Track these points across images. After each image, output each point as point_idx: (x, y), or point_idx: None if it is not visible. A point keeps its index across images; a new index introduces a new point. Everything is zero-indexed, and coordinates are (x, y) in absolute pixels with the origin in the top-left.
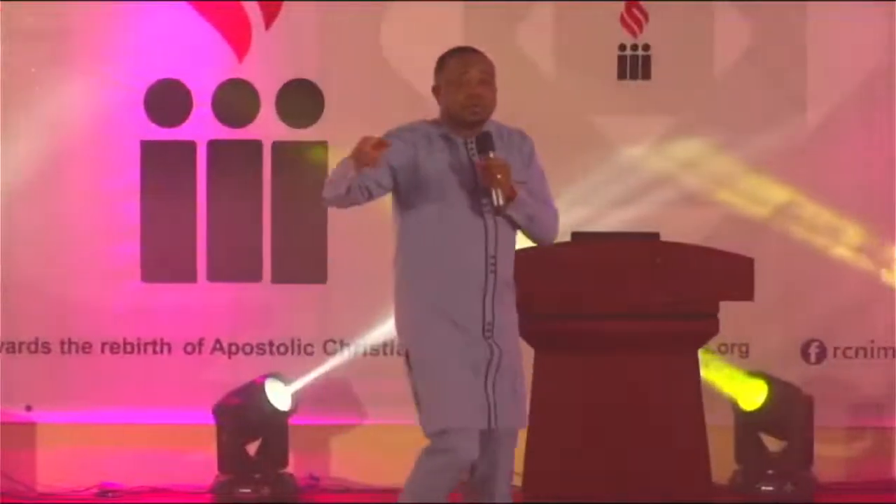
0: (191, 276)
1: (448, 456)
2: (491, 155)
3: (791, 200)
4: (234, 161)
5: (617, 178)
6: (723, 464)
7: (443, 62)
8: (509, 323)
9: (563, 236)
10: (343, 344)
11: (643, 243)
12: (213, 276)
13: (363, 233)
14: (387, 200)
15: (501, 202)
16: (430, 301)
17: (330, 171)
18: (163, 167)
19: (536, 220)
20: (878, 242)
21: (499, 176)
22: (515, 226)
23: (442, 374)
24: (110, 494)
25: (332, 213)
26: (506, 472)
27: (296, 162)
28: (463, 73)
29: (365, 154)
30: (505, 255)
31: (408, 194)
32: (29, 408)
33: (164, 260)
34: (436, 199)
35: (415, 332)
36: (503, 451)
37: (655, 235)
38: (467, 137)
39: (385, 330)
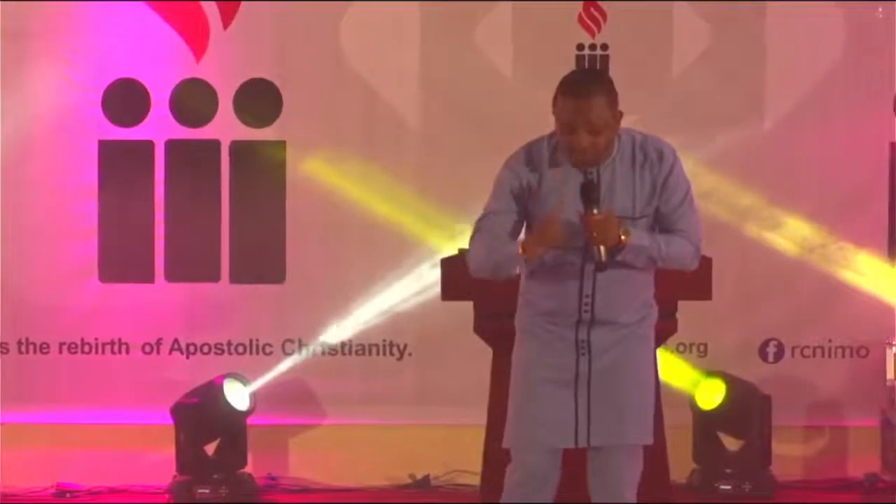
0: (148, 277)
1: (517, 473)
2: (594, 211)
3: (749, 200)
4: (192, 161)
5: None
6: (681, 463)
7: (556, 95)
8: (618, 349)
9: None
10: (301, 344)
11: None
12: (171, 276)
13: (321, 233)
14: (351, 195)
15: (603, 258)
16: (526, 327)
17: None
18: (121, 167)
19: (663, 259)
20: (836, 242)
21: (595, 234)
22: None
23: (517, 391)
24: (68, 495)
25: (291, 212)
26: (615, 488)
27: (254, 161)
28: (569, 122)
29: (553, 238)
30: (609, 294)
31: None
32: None
33: (121, 260)
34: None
35: (514, 349)
36: (608, 468)
37: None
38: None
39: (343, 330)
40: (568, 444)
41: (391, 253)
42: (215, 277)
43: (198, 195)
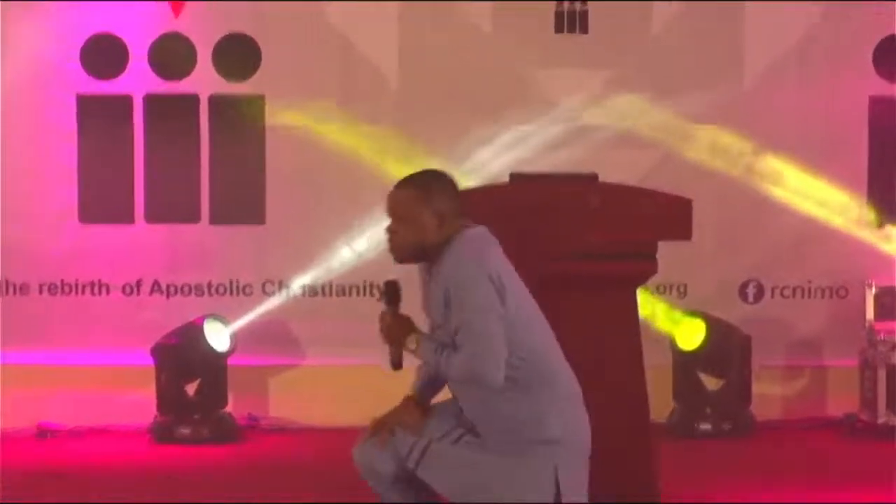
0: (128, 218)
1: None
2: (388, 309)
3: (731, 143)
4: (171, 114)
5: (554, 123)
6: (661, 403)
7: None
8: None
9: (502, 178)
10: (281, 285)
11: (581, 184)
12: (151, 217)
13: (301, 176)
14: (330, 142)
15: (392, 358)
16: None
17: None
18: (99, 120)
19: (446, 375)
20: (817, 183)
21: (381, 332)
22: None
23: None
24: (49, 435)
25: (270, 159)
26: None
27: (233, 115)
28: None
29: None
30: (466, 402)
31: None
32: None
33: (101, 201)
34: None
35: None
36: None
37: (594, 177)
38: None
39: (323, 271)
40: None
41: (370, 195)
42: (195, 219)
43: (177, 146)
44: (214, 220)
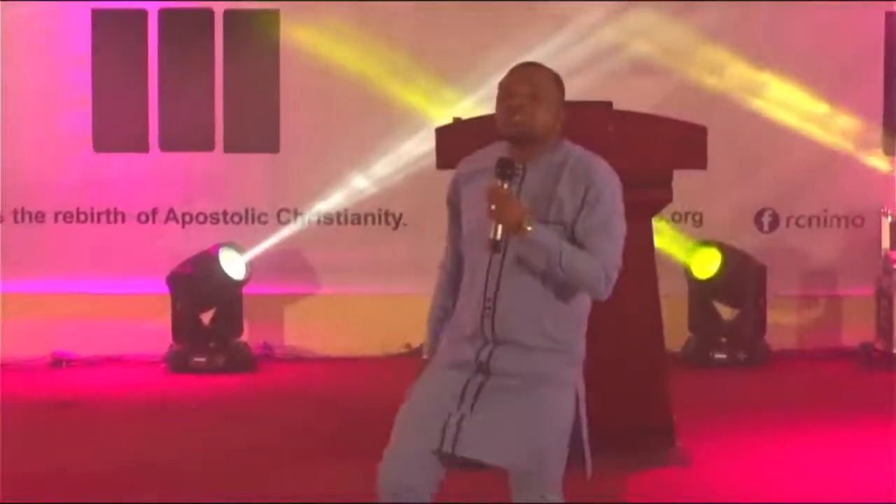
0: (143, 146)
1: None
2: (503, 185)
3: (742, 70)
4: (186, 30)
5: (568, 48)
6: (676, 332)
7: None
8: (521, 366)
9: None
10: (296, 213)
11: (595, 112)
12: (166, 145)
13: (315, 102)
14: (345, 65)
15: (497, 236)
16: (448, 334)
17: None
18: (113, 36)
19: (563, 269)
20: (833, 112)
21: (494, 207)
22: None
23: (406, 403)
24: (64, 363)
25: (284, 82)
26: None
27: (248, 31)
28: (508, 85)
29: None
30: (515, 301)
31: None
32: None
33: (115, 129)
34: (467, 227)
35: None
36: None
37: (608, 104)
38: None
39: (338, 199)
40: (433, 446)
41: (386, 122)
42: (209, 147)
43: (191, 65)
44: (229, 147)
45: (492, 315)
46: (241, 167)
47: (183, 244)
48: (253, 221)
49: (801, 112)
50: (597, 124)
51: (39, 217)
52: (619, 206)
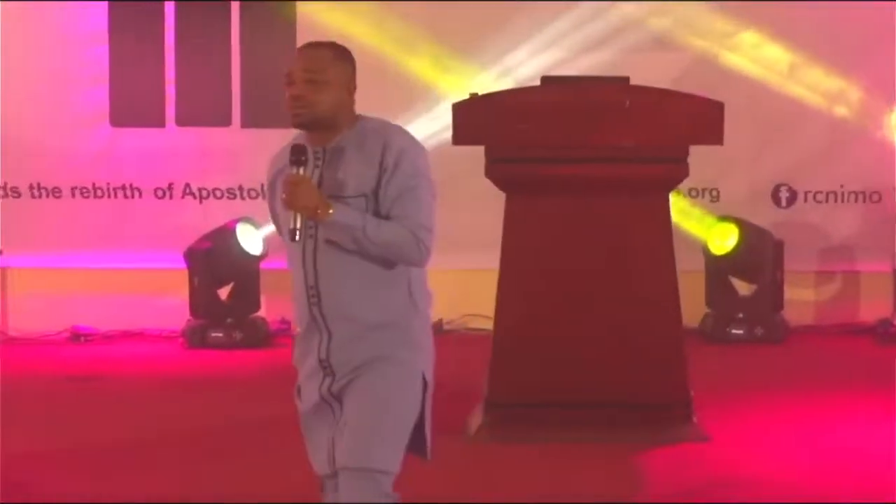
0: (159, 121)
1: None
2: (297, 171)
3: (761, 44)
4: (203, 5)
5: (586, 23)
6: (693, 308)
7: None
8: (360, 356)
9: (534, 81)
10: None
11: (613, 87)
12: (182, 120)
13: None
14: (362, 39)
15: (295, 225)
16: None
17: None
18: (131, 12)
19: (372, 242)
20: (849, 87)
21: (285, 195)
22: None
23: (301, 422)
24: (83, 338)
25: None
26: None
27: (264, 5)
28: (288, 74)
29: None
30: (336, 283)
31: None
32: None
33: (132, 105)
34: (282, 222)
35: None
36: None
37: (625, 80)
38: (314, 147)
39: None
40: (326, 470)
41: (401, 98)
42: (226, 122)
43: (208, 39)
44: (246, 123)
45: (318, 302)
46: (257, 142)
47: (200, 219)
48: None
49: (817, 87)
50: (613, 99)
51: (56, 192)
52: (423, 169)
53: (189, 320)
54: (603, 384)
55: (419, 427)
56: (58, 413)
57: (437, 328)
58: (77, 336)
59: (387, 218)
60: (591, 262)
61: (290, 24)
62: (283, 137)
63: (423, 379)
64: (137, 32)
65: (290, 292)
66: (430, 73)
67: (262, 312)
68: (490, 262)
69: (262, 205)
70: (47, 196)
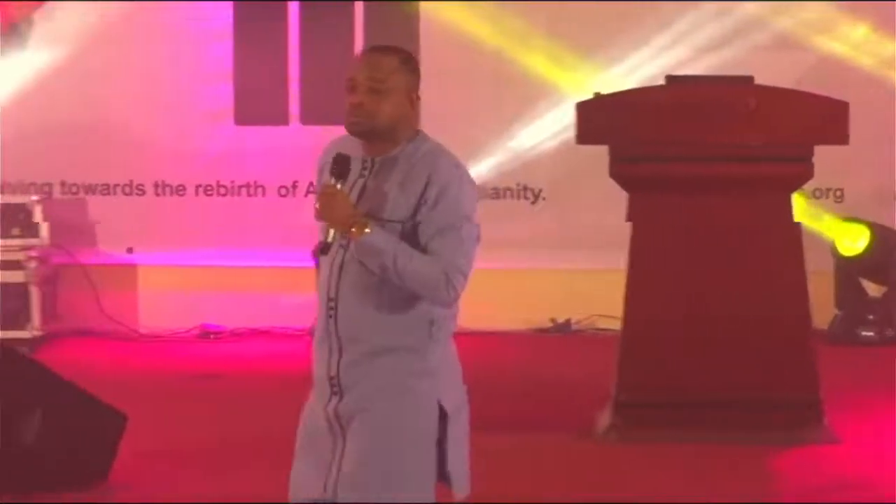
0: (283, 119)
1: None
2: (335, 183)
3: (885, 43)
4: (326, 5)
5: (709, 22)
6: (823, 309)
7: None
8: (371, 385)
9: (658, 80)
10: None
11: (737, 86)
12: (306, 118)
13: (454, 77)
14: (484, 39)
15: (327, 239)
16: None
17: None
18: (255, 10)
19: (399, 273)
20: None
21: (318, 206)
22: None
23: (298, 439)
24: (211, 336)
25: (424, 57)
26: None
27: (388, 5)
28: (350, 80)
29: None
30: (355, 302)
31: None
32: (130, 250)
33: (256, 103)
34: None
35: None
36: None
37: (749, 79)
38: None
39: (476, 174)
40: (314, 495)
41: (524, 97)
42: None
43: (332, 38)
44: None
45: (334, 316)
46: None
47: None
48: None
49: None
50: (737, 99)
51: (180, 190)
52: (467, 206)
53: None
54: (732, 384)
55: (443, 457)
56: (184, 409)
57: (565, 328)
58: (206, 333)
59: (423, 251)
60: (717, 261)
61: (413, 23)
62: None
63: (441, 408)
64: (261, 30)
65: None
66: (551, 72)
67: None
68: (616, 261)
69: None
70: (171, 194)
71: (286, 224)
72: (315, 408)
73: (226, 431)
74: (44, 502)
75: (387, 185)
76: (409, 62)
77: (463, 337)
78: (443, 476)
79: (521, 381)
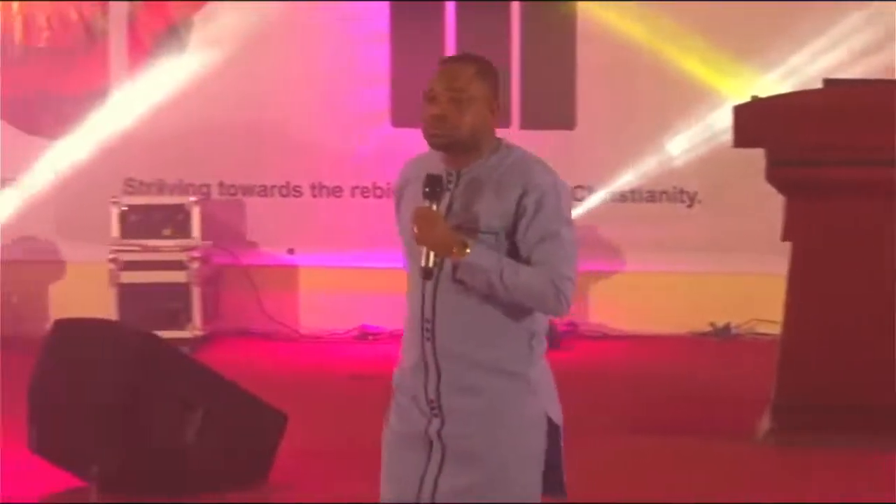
0: None
1: None
2: (430, 205)
3: None
4: (483, 6)
5: (868, 25)
6: None
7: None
8: (475, 406)
9: (815, 83)
10: (591, 190)
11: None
12: None
13: (611, 80)
14: (641, 42)
15: (429, 263)
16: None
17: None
18: (411, 12)
19: (507, 288)
20: None
21: (417, 229)
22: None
23: (384, 461)
24: (370, 337)
25: (581, 59)
26: None
27: (545, 7)
28: (431, 89)
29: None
30: (454, 322)
31: None
32: (291, 251)
33: (412, 104)
34: (404, 237)
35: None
36: None
37: None
38: (447, 168)
39: (632, 176)
40: (409, 499)
41: (681, 100)
42: (505, 123)
43: (488, 40)
44: (524, 124)
45: (431, 338)
46: (536, 143)
47: None
48: None
49: None
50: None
51: (336, 191)
52: (565, 213)
53: None
54: (892, 389)
55: (555, 468)
56: (343, 411)
57: (725, 332)
58: (365, 335)
59: (526, 262)
60: (877, 265)
61: (570, 23)
62: (564, 140)
63: (549, 420)
64: (419, 31)
65: (576, 295)
66: (709, 75)
67: None
68: (775, 265)
69: None
70: (328, 195)
71: None
72: (408, 421)
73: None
74: (204, 501)
75: (477, 197)
76: (488, 70)
77: (622, 341)
78: (555, 487)
79: (679, 385)
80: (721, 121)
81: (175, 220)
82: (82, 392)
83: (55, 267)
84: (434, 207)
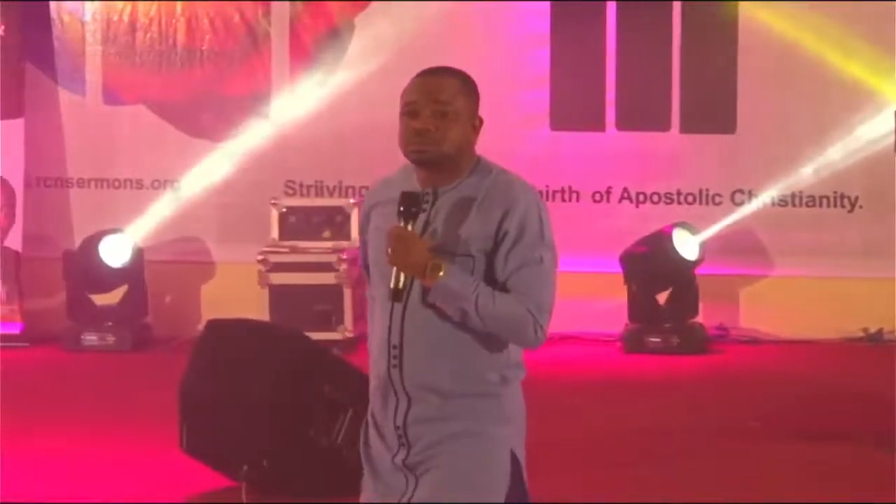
0: (599, 125)
1: None
2: (405, 225)
3: None
4: (643, 10)
5: None
6: None
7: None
8: (444, 432)
9: None
10: (751, 194)
11: None
12: (622, 124)
13: (773, 83)
14: (803, 45)
15: (398, 285)
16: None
17: None
18: (572, 16)
19: (482, 316)
20: None
21: (390, 250)
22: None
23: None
24: None
25: (742, 63)
26: None
27: (706, 11)
28: (412, 103)
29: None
30: (423, 349)
31: None
32: None
33: (572, 108)
34: (372, 259)
35: None
36: None
37: None
38: (423, 187)
39: (793, 181)
40: None
41: (843, 104)
42: (665, 127)
43: (649, 41)
44: (685, 128)
45: (399, 366)
46: (696, 148)
47: (636, 223)
48: (707, 202)
49: None
50: None
51: None
52: (547, 237)
53: (627, 324)
54: None
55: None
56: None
57: (877, 338)
58: None
59: (503, 288)
60: None
61: (731, 24)
62: (722, 144)
63: (514, 456)
64: (579, 34)
65: (728, 299)
66: (870, 78)
67: (699, 318)
68: None
69: (698, 210)
70: None
71: (599, 230)
72: (379, 453)
73: (536, 436)
74: (348, 502)
75: (456, 219)
76: (471, 85)
77: (773, 346)
78: None
79: (830, 391)
80: (883, 125)
81: (334, 221)
82: (233, 392)
83: (207, 267)
84: (409, 227)
